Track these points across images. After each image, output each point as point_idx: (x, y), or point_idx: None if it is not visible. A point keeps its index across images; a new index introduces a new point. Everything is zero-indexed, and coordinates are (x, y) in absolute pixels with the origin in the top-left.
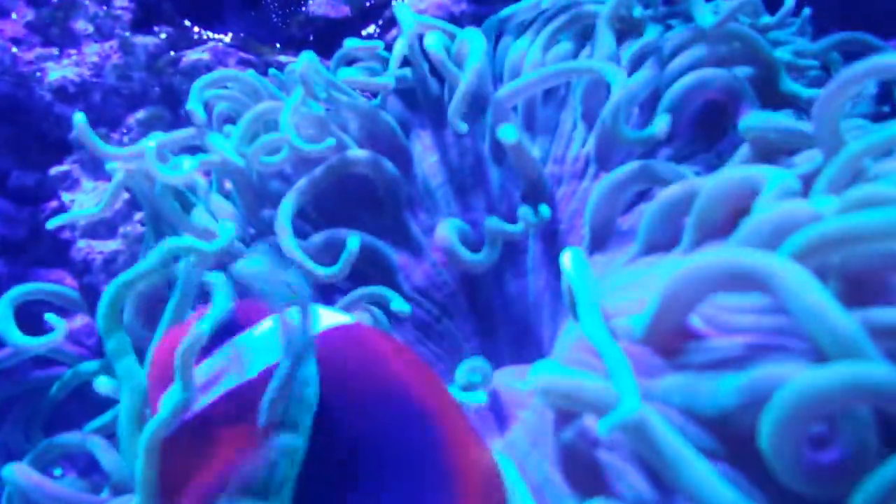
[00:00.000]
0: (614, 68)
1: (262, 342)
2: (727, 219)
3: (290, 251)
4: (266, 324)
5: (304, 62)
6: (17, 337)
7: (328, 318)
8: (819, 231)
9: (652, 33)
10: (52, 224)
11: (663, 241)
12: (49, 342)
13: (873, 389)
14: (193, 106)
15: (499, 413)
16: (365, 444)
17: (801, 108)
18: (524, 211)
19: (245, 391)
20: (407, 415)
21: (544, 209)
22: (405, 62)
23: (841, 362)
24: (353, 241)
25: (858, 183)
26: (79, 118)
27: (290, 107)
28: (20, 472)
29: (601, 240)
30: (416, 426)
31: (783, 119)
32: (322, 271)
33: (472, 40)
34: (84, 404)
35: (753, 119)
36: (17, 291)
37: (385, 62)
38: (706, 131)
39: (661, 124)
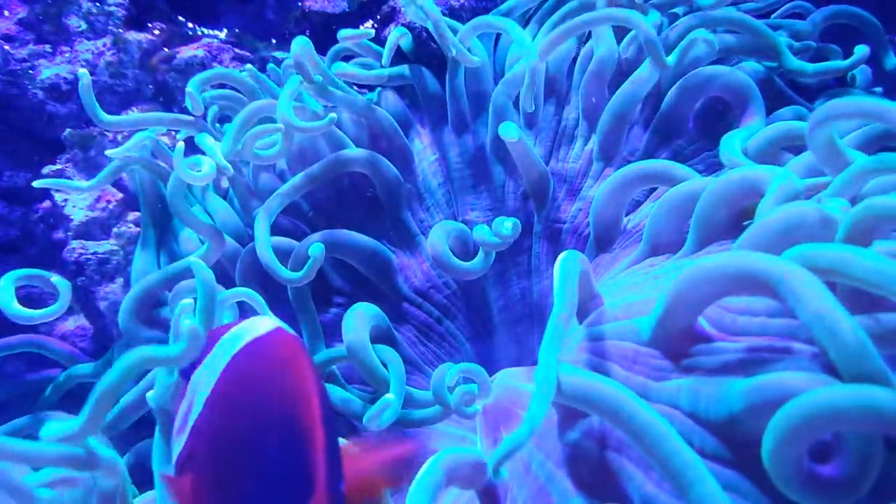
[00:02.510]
0: (636, 14)
1: (204, 372)
2: (730, 219)
3: (262, 253)
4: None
5: (299, 46)
6: (18, 310)
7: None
8: (829, 259)
9: (653, 18)
10: (38, 184)
11: (669, 241)
12: (53, 313)
13: (880, 417)
14: (192, 100)
15: (501, 414)
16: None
17: (804, 104)
18: (480, 231)
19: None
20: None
21: (506, 229)
22: (403, 59)
23: (850, 385)
24: (316, 247)
25: (867, 188)
26: (84, 76)
27: (286, 93)
28: None
29: (606, 239)
30: (291, 441)
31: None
32: (287, 275)
33: (510, 28)
34: (78, 407)
35: (728, 147)
36: (20, 273)
37: (380, 57)
38: (711, 130)
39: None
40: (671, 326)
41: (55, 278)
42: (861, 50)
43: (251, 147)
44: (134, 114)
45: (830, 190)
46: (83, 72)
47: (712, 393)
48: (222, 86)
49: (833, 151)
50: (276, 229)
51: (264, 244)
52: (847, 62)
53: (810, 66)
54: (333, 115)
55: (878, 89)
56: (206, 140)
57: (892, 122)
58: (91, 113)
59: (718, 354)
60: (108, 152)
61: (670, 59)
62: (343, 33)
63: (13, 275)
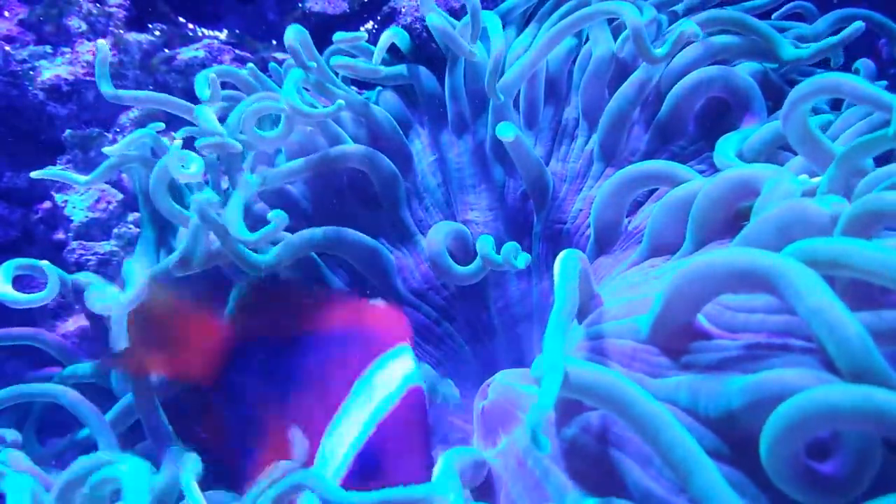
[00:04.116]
0: (624, 5)
1: None
2: (727, 219)
3: (231, 223)
4: None
5: (293, 34)
6: (10, 293)
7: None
8: (829, 252)
9: (648, 14)
10: (36, 174)
11: (670, 242)
12: (44, 298)
13: (877, 417)
14: (200, 93)
15: (500, 415)
16: None
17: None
18: (484, 244)
19: None
20: None
21: (519, 261)
22: (401, 58)
23: (847, 384)
24: (277, 213)
25: (859, 183)
26: (102, 47)
27: (290, 80)
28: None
29: (607, 241)
30: None
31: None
32: (246, 235)
33: (489, 21)
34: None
35: (722, 151)
36: (20, 261)
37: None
38: (712, 130)
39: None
40: (669, 323)
41: (44, 262)
42: (855, 25)
43: (250, 125)
44: (143, 91)
45: (822, 186)
46: (102, 43)
47: (711, 389)
48: (223, 85)
49: (810, 140)
50: None
51: (235, 209)
52: (839, 37)
53: (806, 52)
54: (341, 101)
55: (883, 83)
56: (205, 112)
57: (846, 92)
58: (100, 84)
59: (717, 351)
60: (105, 149)
61: (661, 52)
62: (338, 36)
63: (11, 263)
